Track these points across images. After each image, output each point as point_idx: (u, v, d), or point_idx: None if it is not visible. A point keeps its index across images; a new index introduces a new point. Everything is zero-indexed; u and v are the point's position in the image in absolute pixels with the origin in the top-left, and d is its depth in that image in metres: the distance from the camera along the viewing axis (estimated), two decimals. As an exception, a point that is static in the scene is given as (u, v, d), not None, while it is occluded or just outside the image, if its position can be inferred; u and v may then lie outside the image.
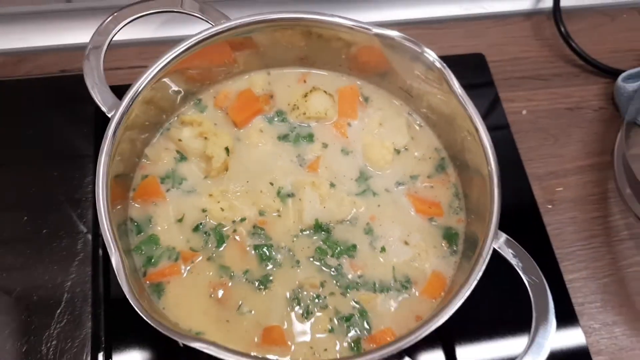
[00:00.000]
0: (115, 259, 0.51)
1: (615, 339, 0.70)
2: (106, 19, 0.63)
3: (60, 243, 0.68)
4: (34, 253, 0.67)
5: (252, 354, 0.54)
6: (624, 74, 0.83)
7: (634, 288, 0.72)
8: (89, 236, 0.69)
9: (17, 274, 0.66)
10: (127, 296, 0.50)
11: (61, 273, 0.66)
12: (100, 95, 0.60)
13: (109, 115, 0.59)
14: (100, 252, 0.68)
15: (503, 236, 0.57)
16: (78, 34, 0.79)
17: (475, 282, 0.53)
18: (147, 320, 0.49)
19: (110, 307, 0.65)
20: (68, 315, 0.63)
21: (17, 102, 0.77)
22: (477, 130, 0.59)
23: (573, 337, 0.69)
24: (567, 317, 0.70)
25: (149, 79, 0.60)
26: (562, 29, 0.87)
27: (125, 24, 0.63)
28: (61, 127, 0.77)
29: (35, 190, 0.72)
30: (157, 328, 0.49)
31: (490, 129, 0.79)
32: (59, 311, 0.64)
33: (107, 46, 0.62)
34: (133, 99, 0.59)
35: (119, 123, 0.57)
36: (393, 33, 0.62)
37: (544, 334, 0.53)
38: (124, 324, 0.64)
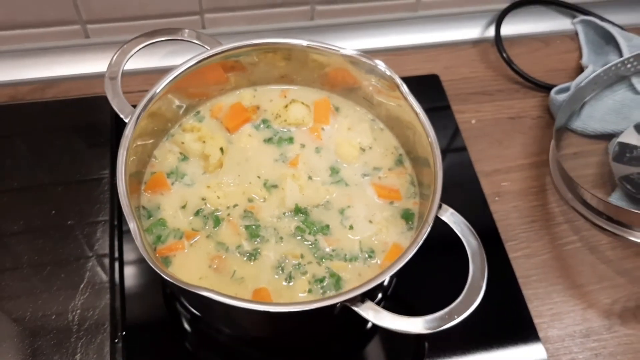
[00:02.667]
0: (132, 226, 0.64)
1: (554, 304, 0.81)
2: (128, 41, 0.78)
3: (74, 268, 0.75)
4: (43, 279, 0.74)
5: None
6: (555, 88, 0.98)
7: (569, 262, 0.85)
8: (102, 260, 0.77)
9: (27, 300, 0.73)
10: (143, 254, 0.62)
11: (72, 299, 0.72)
12: (119, 106, 0.74)
13: (126, 120, 0.73)
14: (117, 277, 0.76)
15: (449, 210, 0.70)
16: (96, 63, 0.94)
17: (421, 241, 0.65)
18: (159, 272, 0.62)
19: (128, 332, 0.73)
20: (84, 342, 0.69)
21: (42, 122, 0.89)
22: (419, 118, 0.73)
23: (517, 305, 0.81)
24: (511, 288, 0.82)
25: (158, 90, 0.74)
26: (504, 54, 1.03)
27: (141, 48, 0.77)
28: (79, 149, 0.87)
29: (48, 214, 0.79)
30: (168, 279, 0.62)
31: (444, 136, 0.95)
32: (72, 338, 0.69)
33: (124, 65, 0.76)
34: (146, 106, 0.73)
35: (135, 124, 0.71)
36: (352, 52, 0.77)
37: (480, 280, 0.64)
38: (143, 348, 0.74)
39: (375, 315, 0.62)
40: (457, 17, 1.08)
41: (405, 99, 0.75)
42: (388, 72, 0.76)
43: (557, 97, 0.97)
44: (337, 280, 0.72)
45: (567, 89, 0.98)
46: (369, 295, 0.64)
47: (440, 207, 0.69)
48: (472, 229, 0.68)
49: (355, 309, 0.63)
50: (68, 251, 0.78)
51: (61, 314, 0.73)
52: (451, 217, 0.69)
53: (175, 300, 0.79)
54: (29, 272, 0.76)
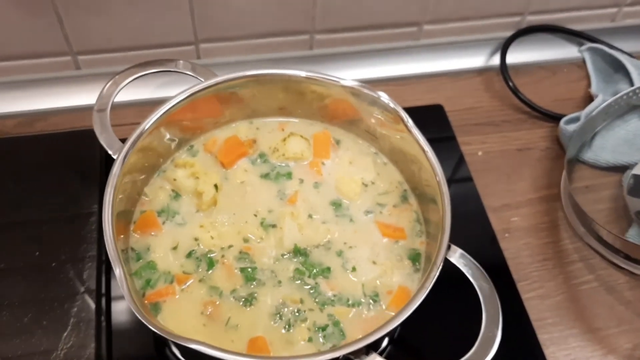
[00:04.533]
0: (118, 272, 0.59)
1: (571, 349, 0.76)
2: (119, 73, 0.75)
3: (61, 305, 0.71)
4: (33, 316, 0.70)
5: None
6: (565, 118, 0.94)
7: (585, 304, 0.80)
8: (90, 297, 0.72)
9: (12, 340, 0.69)
10: (129, 304, 0.57)
11: (60, 337, 0.69)
12: (107, 141, 0.71)
13: (114, 157, 0.69)
14: (104, 319, 0.72)
15: (458, 251, 0.66)
16: (87, 95, 0.90)
17: (430, 286, 0.61)
18: (147, 323, 0.57)
19: None
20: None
21: (29, 157, 0.85)
22: (426, 156, 0.69)
23: (532, 351, 0.75)
24: (525, 331, 0.77)
25: (148, 125, 0.70)
26: (510, 83, 1.00)
27: (133, 79, 0.74)
28: (67, 184, 0.83)
29: (36, 252, 0.76)
30: (156, 331, 0.57)
31: (450, 168, 0.91)
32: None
33: (114, 97, 0.73)
34: (134, 143, 0.69)
35: (122, 161, 0.67)
36: (353, 83, 0.74)
37: (494, 328, 0.60)
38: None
39: (382, 370, 0.57)
40: (460, 45, 1.05)
41: (410, 132, 0.71)
42: (392, 105, 0.72)
43: (567, 127, 0.93)
44: (340, 328, 0.67)
45: (576, 119, 0.94)
46: (374, 346, 0.59)
47: (448, 248, 0.65)
48: (484, 272, 0.64)
49: (359, 362, 0.58)
50: (54, 291, 0.74)
51: (47, 352, 0.69)
52: (461, 259, 0.65)
53: (165, 345, 0.74)
54: (9, 318, 0.72)
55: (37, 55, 0.91)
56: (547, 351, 0.76)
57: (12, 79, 0.92)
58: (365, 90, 0.73)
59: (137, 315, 0.57)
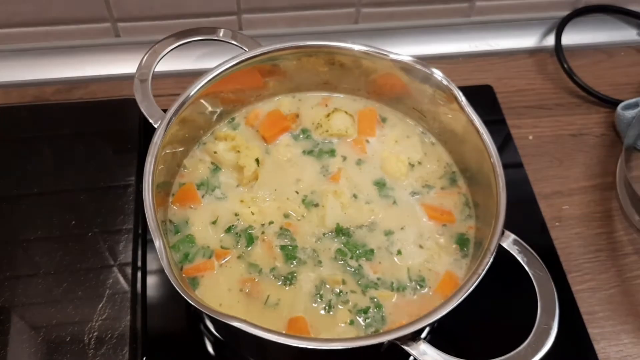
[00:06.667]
0: (158, 244, 0.57)
1: (622, 346, 0.73)
2: (159, 41, 0.72)
3: (96, 276, 0.71)
4: (69, 286, 0.70)
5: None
6: (623, 103, 0.89)
7: (639, 299, 0.76)
8: (125, 269, 0.72)
9: (47, 309, 0.69)
10: (169, 276, 0.55)
11: (95, 308, 0.68)
12: (148, 110, 0.68)
13: (155, 126, 0.66)
14: (139, 286, 0.72)
15: (511, 236, 0.62)
16: (126, 64, 0.88)
17: (483, 273, 0.58)
18: (187, 298, 0.55)
19: (149, 344, 0.69)
20: (104, 352, 0.66)
21: (67, 124, 0.84)
22: (481, 137, 0.65)
23: (582, 346, 0.72)
24: (575, 325, 0.73)
25: (192, 93, 0.67)
26: (566, 65, 0.95)
27: (173, 48, 0.71)
28: (105, 154, 0.82)
29: (73, 222, 0.75)
30: (196, 306, 0.55)
31: (499, 152, 0.86)
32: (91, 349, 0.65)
33: (155, 66, 0.70)
34: (177, 111, 0.66)
35: (165, 130, 0.64)
36: (406, 57, 0.70)
37: (549, 320, 0.57)
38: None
39: (431, 358, 0.54)
40: (513, 24, 1.00)
41: (464, 111, 0.68)
42: (445, 82, 0.68)
43: (625, 113, 0.88)
44: (383, 312, 0.64)
45: (635, 105, 0.89)
46: (420, 333, 0.56)
47: (502, 233, 0.61)
48: (539, 260, 0.60)
49: (406, 348, 0.55)
50: (89, 262, 0.73)
51: (78, 331, 0.68)
52: (514, 245, 0.62)
53: (199, 320, 0.72)
54: (44, 286, 0.71)
55: (77, 20, 0.89)
56: (598, 346, 0.72)
57: (51, 44, 0.91)
58: (418, 66, 0.69)
59: (177, 289, 0.55)
